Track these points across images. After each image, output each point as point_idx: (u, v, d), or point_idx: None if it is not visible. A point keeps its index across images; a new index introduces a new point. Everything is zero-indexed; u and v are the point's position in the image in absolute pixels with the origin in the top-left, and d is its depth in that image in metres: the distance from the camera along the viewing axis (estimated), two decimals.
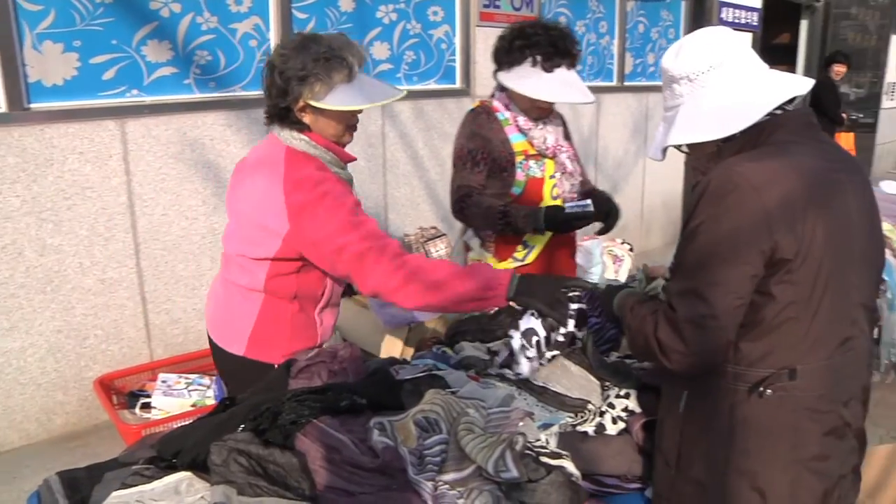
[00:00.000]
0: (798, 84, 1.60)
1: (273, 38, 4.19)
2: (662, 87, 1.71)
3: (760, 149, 1.54)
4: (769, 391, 1.49)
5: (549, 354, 2.03)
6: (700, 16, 7.10)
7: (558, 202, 2.69)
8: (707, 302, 1.45)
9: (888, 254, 4.45)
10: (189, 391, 3.51)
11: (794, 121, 1.58)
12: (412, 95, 4.84)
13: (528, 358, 2.02)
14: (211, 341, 2.27)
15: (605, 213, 2.68)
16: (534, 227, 2.54)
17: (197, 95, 3.99)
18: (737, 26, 7.52)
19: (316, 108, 1.97)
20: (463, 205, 2.64)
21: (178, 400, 3.45)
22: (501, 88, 2.68)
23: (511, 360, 2.03)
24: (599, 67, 6.45)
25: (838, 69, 8.55)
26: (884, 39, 12.17)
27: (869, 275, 1.60)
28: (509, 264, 2.70)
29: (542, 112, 2.67)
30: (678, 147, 1.68)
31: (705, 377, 1.56)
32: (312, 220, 1.94)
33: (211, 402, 3.42)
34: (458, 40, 5.15)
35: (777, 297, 1.46)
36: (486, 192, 2.65)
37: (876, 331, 4.01)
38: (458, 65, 5.19)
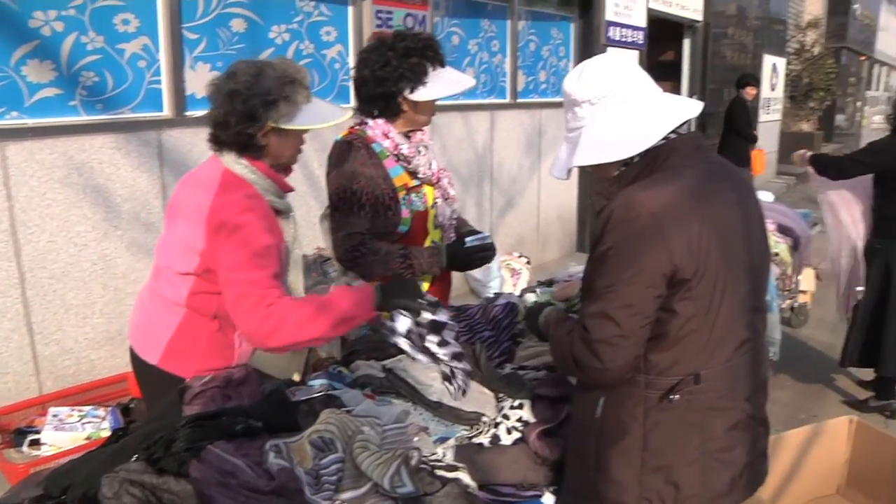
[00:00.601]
0: (690, 108, 1.72)
1: (163, 59, 4.13)
2: (564, 108, 1.77)
3: (656, 175, 1.65)
4: (677, 396, 1.63)
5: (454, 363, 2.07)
6: (589, 35, 7.36)
7: (437, 233, 2.63)
8: (617, 323, 1.58)
9: None
10: (83, 424, 3.38)
11: (686, 145, 1.71)
12: None
13: (434, 354, 2.06)
14: (132, 350, 2.30)
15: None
16: (438, 267, 2.51)
17: (84, 118, 3.88)
18: (624, 45, 7.83)
19: (281, 129, 2.05)
20: (356, 254, 2.44)
21: (70, 434, 3.33)
22: (376, 115, 2.50)
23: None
24: (493, 85, 6.60)
25: (751, 91, 9.06)
26: (758, 58, 12.92)
27: (757, 280, 1.75)
28: None
29: (425, 125, 2.60)
30: (583, 167, 1.77)
31: (619, 386, 1.68)
32: (223, 245, 2.00)
33: (106, 433, 3.32)
34: (351, 60, 5.19)
35: (679, 312, 1.60)
36: (372, 233, 2.48)
37: None
38: (352, 84, 5.21)
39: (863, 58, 23.39)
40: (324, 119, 2.11)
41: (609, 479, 1.71)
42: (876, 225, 4.40)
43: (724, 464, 1.69)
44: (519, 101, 6.88)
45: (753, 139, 9.00)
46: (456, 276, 5.43)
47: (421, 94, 2.44)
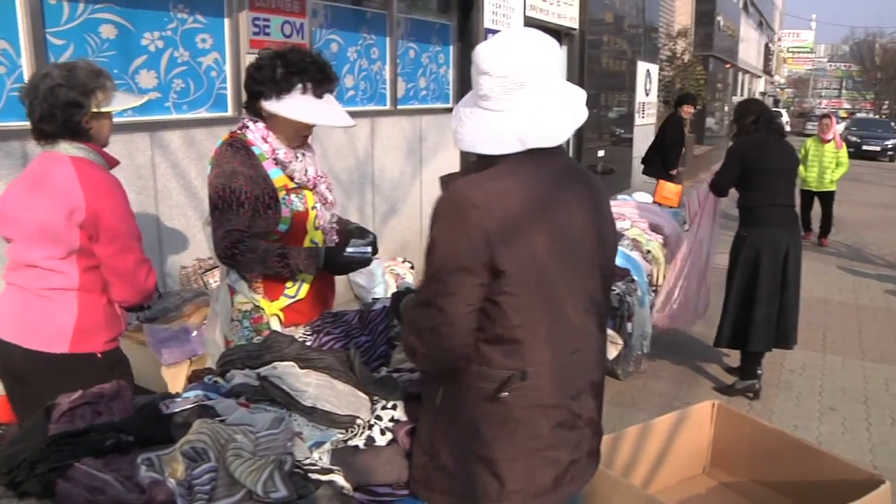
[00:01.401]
0: (578, 119, 1.73)
1: (26, 66, 3.95)
2: (473, 74, 1.73)
3: (494, 168, 1.68)
4: (504, 392, 1.67)
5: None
6: (468, 42, 7.50)
7: (319, 234, 2.68)
8: (442, 311, 1.63)
9: (637, 256, 4.97)
10: None
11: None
12: (182, 124, 4.74)
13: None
14: (16, 353, 2.39)
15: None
16: (315, 268, 2.55)
17: None
18: None
19: (100, 113, 2.40)
20: (235, 251, 2.48)
21: None
22: (256, 119, 2.58)
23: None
24: (373, 92, 6.63)
25: (687, 109, 9.34)
26: (633, 64, 13.48)
27: (597, 281, 1.80)
28: (283, 302, 2.64)
29: (303, 140, 2.64)
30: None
31: (457, 375, 1.72)
32: (111, 215, 2.34)
33: None
34: (228, 68, 5.11)
35: (503, 307, 1.64)
36: (252, 232, 2.52)
37: (630, 326, 4.47)
38: (229, 92, 5.15)
39: (728, 65, 24.73)
40: (131, 102, 2.60)
41: (439, 465, 1.75)
42: (741, 216, 4.82)
43: (548, 461, 1.72)
44: (399, 107, 6.93)
45: (672, 167, 9.02)
46: (340, 282, 5.45)
47: (271, 106, 2.48)
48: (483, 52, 1.71)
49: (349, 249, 2.62)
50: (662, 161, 9.04)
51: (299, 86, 2.47)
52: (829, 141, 10.12)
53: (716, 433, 3.05)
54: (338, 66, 6.08)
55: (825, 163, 10.13)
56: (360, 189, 6.34)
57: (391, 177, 6.79)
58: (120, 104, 2.46)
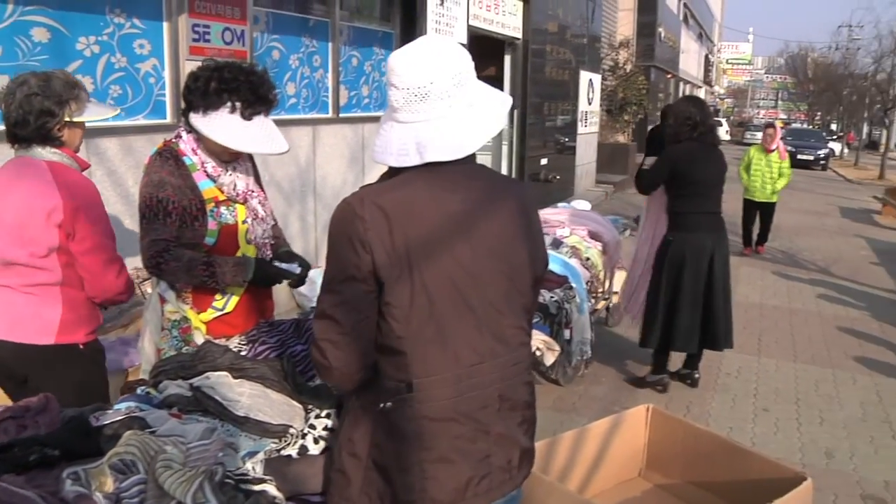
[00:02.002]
0: (490, 131, 1.70)
1: None
2: (417, 96, 1.66)
3: (393, 179, 1.67)
4: (389, 404, 1.66)
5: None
6: None
7: (251, 248, 2.64)
8: (337, 321, 1.62)
9: (576, 263, 5.04)
10: None
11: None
12: (120, 131, 4.67)
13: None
14: (6, 348, 2.51)
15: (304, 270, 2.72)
16: (242, 280, 2.52)
17: None
18: None
19: (73, 122, 2.51)
20: (160, 260, 2.46)
21: None
22: (189, 129, 2.54)
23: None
24: (315, 100, 6.61)
25: None
26: (576, 74, 13.68)
27: (504, 295, 1.72)
28: (210, 315, 2.61)
29: (234, 155, 2.58)
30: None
31: (363, 385, 1.71)
32: (86, 215, 2.46)
33: None
34: (167, 74, 5.05)
35: (387, 318, 1.63)
36: (180, 243, 2.50)
37: (568, 332, 4.53)
38: (168, 99, 5.08)
39: (669, 76, 25.29)
40: (104, 113, 2.70)
41: (340, 468, 1.75)
42: (669, 221, 4.93)
43: (443, 474, 1.67)
44: (341, 115, 6.92)
45: None
46: (283, 291, 5.40)
47: (197, 122, 2.44)
48: (391, 63, 1.69)
49: (284, 265, 2.63)
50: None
51: (228, 104, 2.41)
52: (772, 151, 9.87)
53: (651, 436, 3.11)
54: (279, 74, 6.05)
55: (768, 173, 9.90)
56: (302, 197, 6.31)
57: (333, 185, 6.76)
58: (92, 115, 2.57)
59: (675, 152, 4.84)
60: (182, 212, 2.48)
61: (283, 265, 2.63)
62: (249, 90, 2.43)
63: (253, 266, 2.53)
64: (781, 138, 10.80)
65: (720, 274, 4.87)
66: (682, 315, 4.83)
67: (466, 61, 1.71)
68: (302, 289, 5.81)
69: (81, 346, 2.59)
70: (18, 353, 2.51)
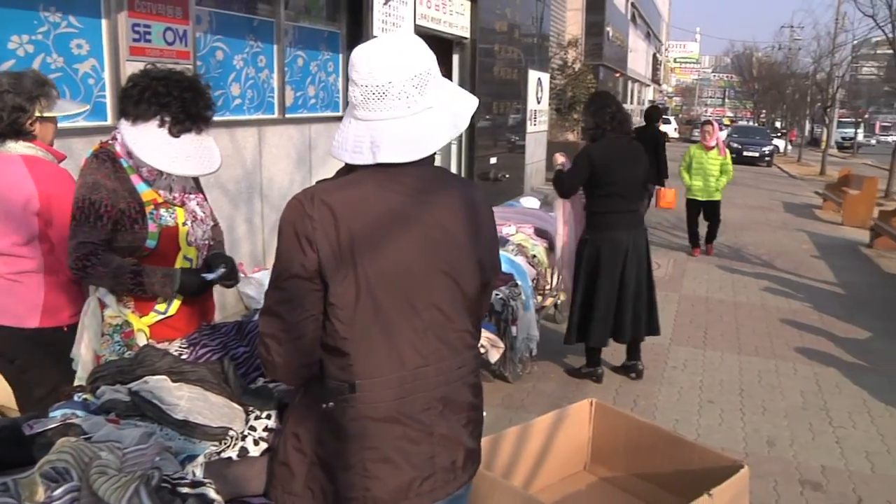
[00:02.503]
0: (449, 134, 1.70)
1: None
2: (392, 93, 1.66)
3: (346, 177, 1.67)
4: (331, 404, 1.67)
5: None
6: None
7: (192, 250, 2.64)
8: (281, 318, 1.63)
9: (521, 260, 5.09)
10: None
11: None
12: (59, 133, 4.51)
13: None
14: None
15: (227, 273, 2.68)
16: (170, 291, 2.51)
17: None
18: None
19: (44, 117, 2.67)
20: (86, 263, 2.42)
21: None
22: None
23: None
24: (260, 101, 6.55)
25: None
26: (524, 73, 13.77)
27: (451, 296, 1.72)
28: (152, 318, 2.58)
29: None
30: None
31: (307, 383, 1.73)
32: (62, 202, 2.55)
33: None
34: (107, 75, 4.95)
35: (331, 318, 1.63)
36: (118, 246, 2.48)
37: (514, 329, 4.57)
38: (108, 101, 4.99)
39: (618, 74, 25.62)
40: (74, 109, 3.09)
41: (284, 461, 1.75)
42: (587, 221, 5.08)
43: (386, 474, 1.68)
44: (288, 116, 6.87)
45: (658, 177, 10.17)
46: (231, 294, 5.35)
47: (125, 130, 2.42)
48: (352, 58, 1.68)
49: (209, 277, 2.60)
50: (657, 172, 9.80)
51: (157, 118, 2.39)
52: (712, 148, 9.73)
53: (595, 430, 3.16)
54: (224, 74, 5.99)
55: (709, 171, 9.74)
56: (249, 199, 6.25)
57: (280, 186, 6.71)
58: (62, 110, 2.78)
59: (595, 152, 4.88)
60: (119, 215, 2.45)
61: (209, 275, 2.60)
62: (181, 108, 2.40)
63: (179, 279, 2.52)
64: (728, 135, 11.01)
65: (632, 272, 4.98)
66: (597, 312, 4.98)
67: (429, 62, 1.69)
68: (248, 290, 5.79)
69: (65, 329, 2.71)
70: (4, 335, 2.68)
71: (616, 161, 4.84)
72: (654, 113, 10.51)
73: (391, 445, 1.68)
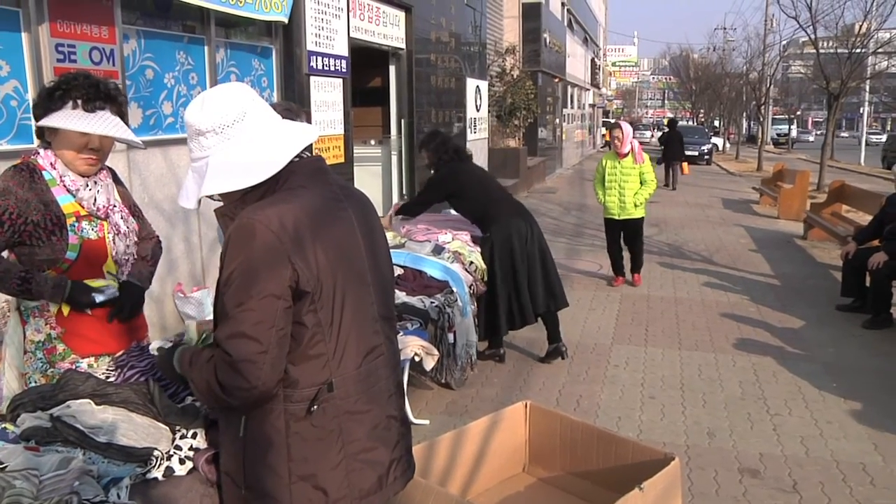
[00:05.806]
0: (308, 134, 1.87)
1: None
2: (189, 139, 1.82)
3: (276, 195, 1.77)
4: (314, 406, 1.74)
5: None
6: (290, 65, 7.46)
7: (112, 264, 2.64)
8: (256, 340, 1.65)
9: (458, 268, 5.12)
10: None
11: (306, 167, 1.84)
12: None
13: None
14: None
15: (130, 304, 2.67)
16: (60, 300, 2.51)
17: None
18: (327, 73, 8.03)
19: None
20: None
21: None
22: (45, 146, 2.54)
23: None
24: None
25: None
26: (462, 81, 13.85)
27: (384, 291, 1.94)
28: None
29: (90, 165, 2.55)
30: (210, 196, 1.82)
31: (260, 403, 1.75)
32: None
33: None
34: (31, 97, 4.85)
35: (307, 324, 1.72)
36: (38, 259, 2.49)
37: (451, 336, 4.60)
38: (33, 123, 4.86)
39: (557, 80, 25.89)
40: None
41: (261, 494, 1.78)
42: (479, 225, 5.66)
43: (368, 464, 1.83)
44: None
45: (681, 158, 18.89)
46: (171, 315, 5.28)
47: (44, 122, 2.46)
48: (191, 114, 1.81)
49: (98, 299, 2.56)
50: (681, 154, 16.90)
51: (70, 103, 2.43)
52: (625, 155, 7.95)
53: (531, 431, 3.20)
54: (155, 93, 5.90)
55: (625, 183, 7.95)
56: (185, 218, 6.16)
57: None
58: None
59: (447, 174, 5.58)
60: (30, 227, 2.45)
61: (99, 298, 2.57)
62: (88, 87, 2.46)
63: (68, 291, 2.51)
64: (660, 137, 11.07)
65: (520, 254, 5.43)
66: (500, 298, 5.42)
67: (245, 104, 1.80)
68: (188, 310, 5.71)
69: None
70: None
71: (460, 174, 5.57)
72: (673, 120, 15.62)
73: (370, 436, 1.84)
